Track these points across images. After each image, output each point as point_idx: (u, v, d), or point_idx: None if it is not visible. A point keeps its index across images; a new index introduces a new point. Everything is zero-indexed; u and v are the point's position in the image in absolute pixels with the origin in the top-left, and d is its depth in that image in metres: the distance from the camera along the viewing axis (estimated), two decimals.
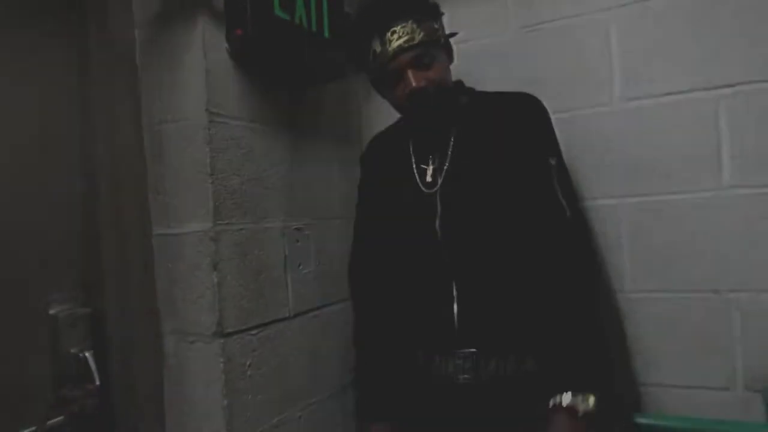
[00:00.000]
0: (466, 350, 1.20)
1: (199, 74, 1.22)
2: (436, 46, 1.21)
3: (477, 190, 1.22)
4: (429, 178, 1.26)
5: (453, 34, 1.28)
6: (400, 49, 1.17)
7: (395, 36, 1.18)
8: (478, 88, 1.32)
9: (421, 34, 1.18)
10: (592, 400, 1.06)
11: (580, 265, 1.19)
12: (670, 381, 1.35)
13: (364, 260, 1.42)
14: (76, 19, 1.25)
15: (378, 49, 1.19)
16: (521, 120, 1.22)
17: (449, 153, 1.25)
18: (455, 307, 1.21)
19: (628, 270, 1.38)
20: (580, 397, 1.07)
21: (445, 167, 1.24)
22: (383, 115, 1.53)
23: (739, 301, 1.28)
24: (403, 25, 1.18)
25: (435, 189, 1.25)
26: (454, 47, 1.27)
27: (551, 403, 1.09)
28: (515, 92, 1.27)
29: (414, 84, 1.17)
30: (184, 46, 1.24)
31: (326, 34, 1.43)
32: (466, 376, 1.20)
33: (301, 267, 1.45)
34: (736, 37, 1.27)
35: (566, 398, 1.07)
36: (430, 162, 1.27)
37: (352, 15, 1.54)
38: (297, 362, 1.40)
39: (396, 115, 1.34)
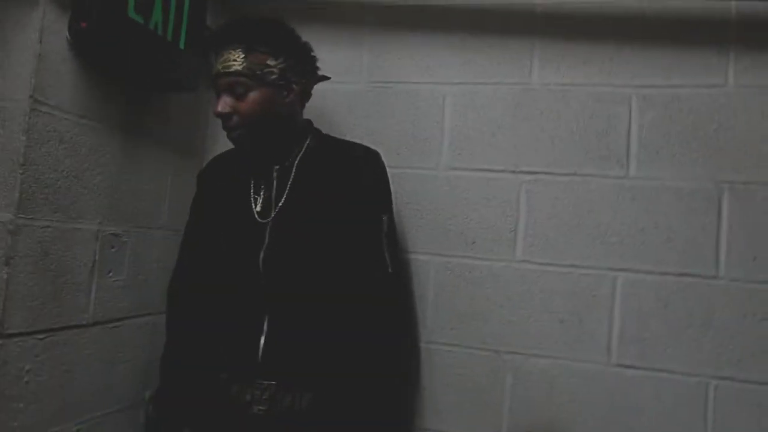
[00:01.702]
0: (266, 382, 1.25)
1: (29, 58, 1.16)
2: (259, 80, 1.24)
3: (306, 230, 1.28)
4: (261, 207, 1.31)
5: (324, 78, 1.36)
6: (220, 73, 1.25)
7: (222, 59, 1.25)
8: (325, 130, 1.42)
9: (244, 64, 1.23)
10: None
11: (387, 323, 1.29)
12: (449, 428, 1.50)
13: (184, 278, 1.42)
14: None
15: (213, 69, 1.27)
16: (361, 173, 1.31)
17: (287, 186, 1.30)
18: (262, 339, 1.26)
19: (430, 322, 1.53)
20: None
21: (281, 201, 1.30)
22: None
23: (513, 362, 1.47)
24: (232, 50, 1.24)
25: (267, 220, 1.30)
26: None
27: None
28: (361, 145, 1.37)
29: (217, 108, 1.25)
30: (18, 24, 1.17)
31: (181, 45, 1.44)
32: (261, 407, 1.25)
33: (110, 274, 1.40)
34: (541, 133, 1.49)
35: None
36: (263, 192, 1.32)
37: (212, 28, 1.57)
38: (87, 373, 1.34)
39: None
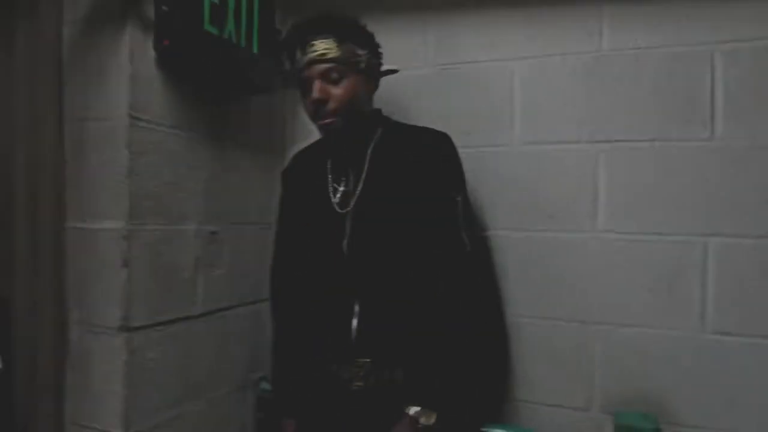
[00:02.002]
0: (362, 360, 1.33)
1: (123, 78, 1.28)
2: (352, 67, 1.31)
3: (385, 216, 1.33)
4: (339, 199, 1.38)
5: (393, 71, 1.40)
6: (313, 60, 1.30)
7: (313, 48, 1.30)
8: (395, 117, 1.45)
9: (338, 52, 1.29)
10: (434, 417, 1.23)
11: (468, 300, 1.32)
12: (538, 399, 1.53)
13: (281, 273, 1.53)
14: (5, 14, 1.29)
15: (299, 56, 1.32)
16: (432, 156, 1.33)
17: (363, 176, 1.36)
18: (355, 321, 1.33)
19: (513, 296, 1.55)
20: (425, 412, 1.23)
21: (358, 190, 1.36)
22: (307, 129, 1.65)
23: (601, 333, 1.47)
24: (323, 39, 1.30)
25: (347, 210, 1.36)
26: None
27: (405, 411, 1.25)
28: (430, 129, 1.39)
29: (316, 95, 1.29)
30: (110, 49, 1.29)
31: (255, 50, 1.52)
32: (358, 383, 1.33)
33: (213, 269, 1.53)
34: (616, 99, 1.45)
35: (413, 410, 1.23)
36: (343, 183, 1.38)
37: (282, 32, 1.64)
38: (200, 358, 1.49)
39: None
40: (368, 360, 1.32)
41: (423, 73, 1.63)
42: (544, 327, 1.52)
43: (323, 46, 1.30)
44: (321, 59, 1.29)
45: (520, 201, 1.54)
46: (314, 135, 1.52)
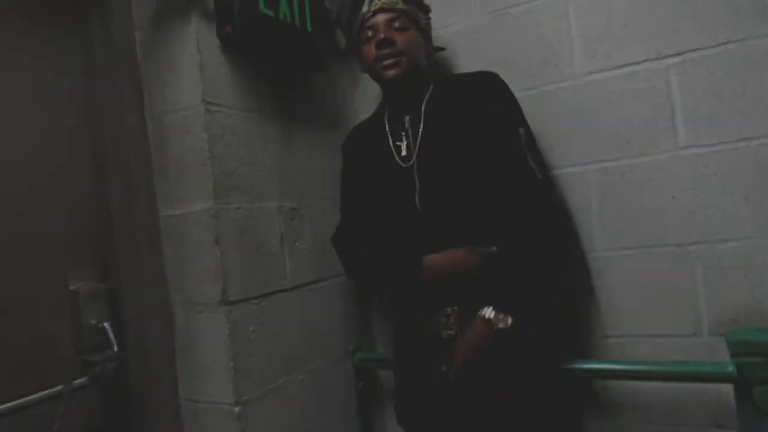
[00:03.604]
0: (449, 309, 1.34)
1: (194, 69, 1.36)
2: (414, 22, 1.40)
3: (451, 161, 1.34)
4: (404, 152, 1.40)
5: (439, 49, 1.46)
6: (381, 9, 1.38)
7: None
8: (450, 71, 1.47)
9: (404, 5, 1.39)
10: (509, 320, 1.22)
11: (546, 217, 1.32)
12: (640, 331, 1.47)
13: (353, 237, 1.53)
14: (80, 21, 1.40)
15: (365, 9, 1.40)
16: (485, 95, 1.36)
17: (421, 128, 1.38)
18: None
19: (598, 231, 1.51)
20: (501, 316, 1.23)
21: (419, 141, 1.38)
22: (367, 102, 1.68)
23: (700, 253, 1.40)
24: None
25: (411, 162, 1.38)
26: None
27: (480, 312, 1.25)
28: (476, 72, 1.42)
29: (382, 35, 1.36)
30: (179, 43, 1.38)
31: (309, 28, 1.58)
32: (449, 331, 1.33)
33: (297, 243, 1.58)
34: (679, 8, 1.40)
35: (489, 312, 1.24)
36: (404, 138, 1.41)
37: (332, 11, 1.69)
38: (296, 331, 1.54)
39: (373, 106, 1.49)
40: (455, 308, 1.32)
41: (474, 23, 1.63)
42: (636, 257, 1.47)
43: None
44: (388, 8, 1.38)
45: (592, 133, 1.50)
46: (370, 112, 1.56)
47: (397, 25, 1.37)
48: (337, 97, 1.85)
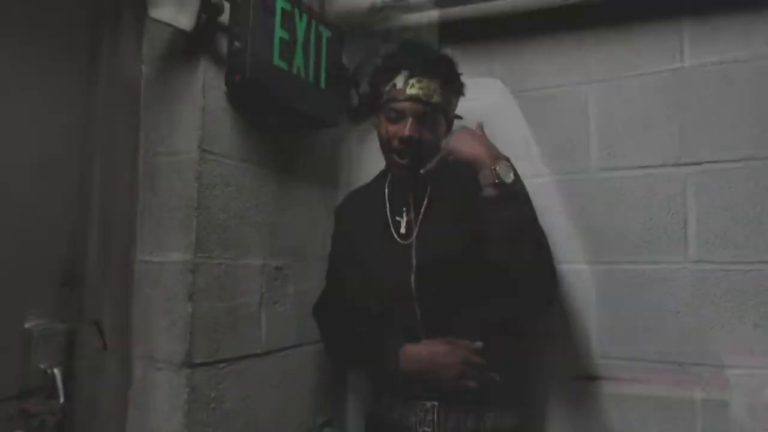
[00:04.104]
0: (429, 403, 1.25)
1: (196, 112, 1.32)
2: (446, 114, 1.33)
3: (453, 243, 1.28)
4: (403, 230, 1.33)
5: (457, 117, 1.40)
6: (416, 97, 1.27)
7: (419, 84, 1.27)
8: None
9: (440, 98, 1.28)
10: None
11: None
12: None
13: (337, 309, 1.47)
14: (90, 52, 1.36)
15: (399, 84, 1.28)
16: None
17: (423, 206, 1.32)
18: None
19: (595, 335, 1.43)
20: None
21: (420, 219, 1.32)
22: (372, 164, 1.62)
23: (702, 376, 1.32)
24: (431, 80, 1.27)
25: (410, 240, 1.32)
26: None
27: None
28: None
29: (407, 132, 1.26)
30: (185, 84, 1.34)
31: (322, 84, 1.54)
32: (426, 429, 1.24)
33: (277, 305, 1.50)
34: (703, 118, 1.36)
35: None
36: (404, 213, 1.34)
37: (348, 68, 1.66)
38: (264, 400, 1.44)
39: (380, 166, 1.43)
40: (435, 403, 1.24)
41: (491, 102, 1.60)
42: (634, 370, 1.39)
43: (430, 86, 1.27)
44: (423, 99, 1.27)
45: (600, 232, 1.45)
46: (376, 172, 1.51)
47: (426, 119, 1.28)
48: (341, 155, 1.81)
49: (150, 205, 1.35)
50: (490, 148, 1.25)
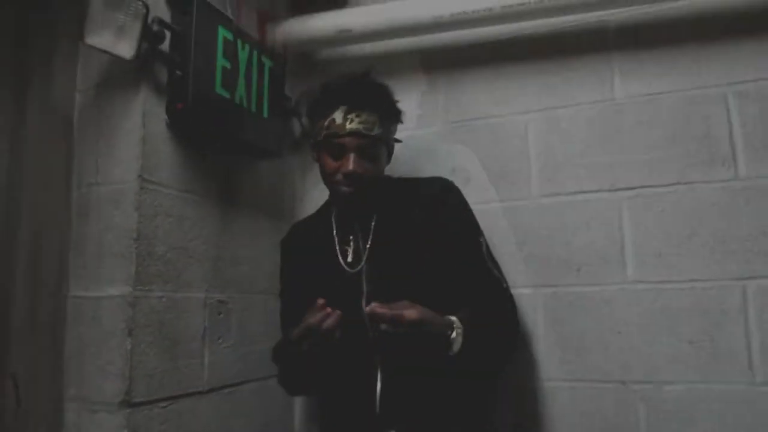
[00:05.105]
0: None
1: (135, 141, 1.34)
2: (385, 146, 1.40)
3: (403, 267, 1.33)
4: (350, 258, 1.39)
5: (397, 140, 1.47)
6: (357, 132, 1.31)
7: (358, 118, 1.32)
8: (409, 175, 1.51)
9: (380, 130, 1.34)
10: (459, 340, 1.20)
11: (513, 328, 1.36)
12: None
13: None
14: (20, 80, 1.37)
15: (338, 120, 1.32)
16: (441, 201, 1.38)
17: (371, 233, 1.39)
18: (378, 389, 1.29)
19: (543, 357, 1.52)
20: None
21: (368, 246, 1.38)
22: (318, 195, 1.68)
23: (644, 393, 1.43)
24: (370, 114, 1.33)
25: (359, 268, 1.37)
26: None
27: None
28: (432, 177, 1.46)
29: (351, 168, 1.31)
30: (123, 113, 1.35)
31: (265, 114, 1.60)
32: None
33: (220, 341, 1.51)
34: (634, 146, 1.51)
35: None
36: (351, 241, 1.40)
37: (291, 99, 1.73)
38: None
39: (324, 197, 1.50)
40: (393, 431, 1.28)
41: (435, 131, 1.70)
42: (579, 390, 1.48)
43: (369, 119, 1.33)
44: (363, 133, 1.32)
45: (543, 256, 1.55)
46: (320, 203, 1.57)
47: (367, 152, 1.34)
48: (285, 185, 1.85)
49: (84, 239, 1.35)
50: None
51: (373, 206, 1.41)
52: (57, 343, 1.31)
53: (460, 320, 1.23)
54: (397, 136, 1.47)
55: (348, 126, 1.32)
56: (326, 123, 1.35)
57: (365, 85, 1.38)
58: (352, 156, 1.32)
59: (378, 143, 1.36)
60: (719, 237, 1.41)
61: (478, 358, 1.24)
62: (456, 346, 1.20)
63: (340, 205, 1.44)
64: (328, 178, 1.40)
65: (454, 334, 1.20)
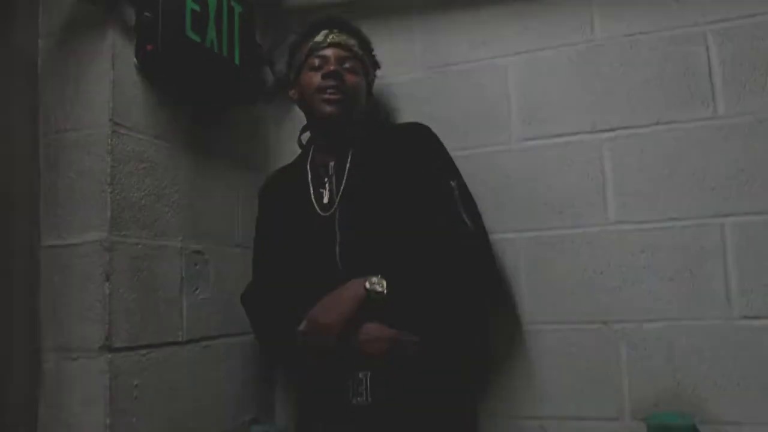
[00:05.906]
0: (360, 373, 1.35)
1: (105, 85, 1.36)
2: (362, 70, 1.51)
3: (375, 212, 1.39)
4: (326, 200, 1.44)
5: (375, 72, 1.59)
6: (337, 44, 1.47)
7: (339, 36, 1.49)
8: (384, 123, 1.56)
9: (359, 50, 1.50)
10: (384, 284, 1.30)
11: (471, 274, 1.40)
12: (564, 413, 1.54)
13: (261, 296, 1.56)
14: None
15: (319, 39, 1.48)
16: (416, 146, 1.44)
17: (345, 176, 1.44)
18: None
19: (527, 302, 1.60)
20: (376, 280, 1.31)
21: (342, 189, 1.43)
22: (293, 147, 1.72)
23: (625, 331, 1.51)
24: (349, 37, 1.50)
25: (332, 211, 1.42)
26: None
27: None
28: (407, 123, 1.53)
29: (333, 67, 1.44)
30: (91, 57, 1.37)
31: (237, 60, 1.63)
32: (360, 398, 1.34)
33: (197, 292, 1.55)
34: (614, 87, 1.57)
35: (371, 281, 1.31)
36: (327, 184, 1.46)
37: (263, 47, 1.76)
38: (188, 392, 1.48)
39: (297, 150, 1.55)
40: (368, 372, 1.34)
41: (413, 77, 1.75)
42: (562, 333, 1.56)
43: (349, 41, 1.50)
44: (344, 44, 1.47)
45: (525, 200, 1.62)
46: (294, 155, 1.62)
47: (347, 65, 1.47)
48: (258, 136, 1.88)
49: (55, 187, 1.38)
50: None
51: (350, 139, 1.48)
52: (33, 293, 1.34)
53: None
54: (379, 82, 1.53)
55: (329, 39, 1.47)
56: (308, 46, 1.48)
57: (342, 18, 1.53)
58: (332, 60, 1.46)
59: (357, 61, 1.49)
60: (698, 175, 1.48)
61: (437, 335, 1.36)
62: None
63: (322, 126, 1.50)
64: (309, 96, 1.47)
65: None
